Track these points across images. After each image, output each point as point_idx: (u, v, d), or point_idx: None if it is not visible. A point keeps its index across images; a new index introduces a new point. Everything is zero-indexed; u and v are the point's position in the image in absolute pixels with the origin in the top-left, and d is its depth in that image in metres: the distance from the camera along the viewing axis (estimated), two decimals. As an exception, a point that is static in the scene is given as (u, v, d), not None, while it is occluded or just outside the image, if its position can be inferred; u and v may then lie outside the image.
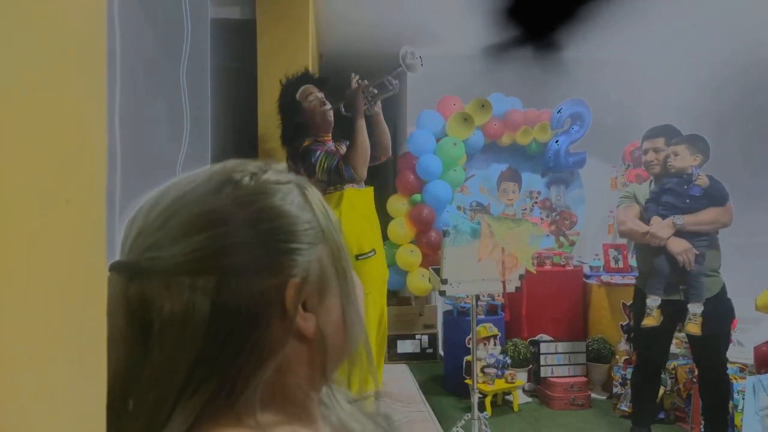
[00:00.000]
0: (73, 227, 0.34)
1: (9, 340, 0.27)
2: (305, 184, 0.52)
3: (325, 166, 2.25)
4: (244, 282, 0.45)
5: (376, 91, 2.38)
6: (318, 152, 2.28)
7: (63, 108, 0.32)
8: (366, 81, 2.34)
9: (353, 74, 2.35)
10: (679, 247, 2.49)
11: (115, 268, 0.45)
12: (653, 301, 2.55)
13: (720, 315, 2.54)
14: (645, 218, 2.65)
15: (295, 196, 0.49)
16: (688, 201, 2.55)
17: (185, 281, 0.44)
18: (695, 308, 2.48)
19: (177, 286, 0.44)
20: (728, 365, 2.70)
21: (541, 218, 4.67)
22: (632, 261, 4.04)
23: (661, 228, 2.53)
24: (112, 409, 0.42)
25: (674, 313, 2.57)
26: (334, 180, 2.29)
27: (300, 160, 2.31)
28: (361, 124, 2.28)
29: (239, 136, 3.03)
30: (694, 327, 2.46)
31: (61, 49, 0.31)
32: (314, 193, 0.52)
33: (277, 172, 0.50)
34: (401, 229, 4.14)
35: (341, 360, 0.52)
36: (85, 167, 0.36)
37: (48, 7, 0.30)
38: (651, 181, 2.80)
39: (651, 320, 2.55)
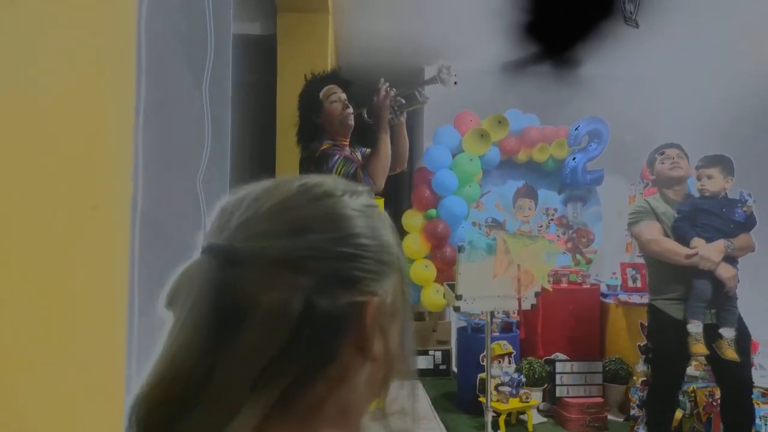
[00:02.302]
0: (99, 233, 0.34)
1: (30, 342, 0.27)
2: (385, 215, 0.54)
3: (342, 171, 2.18)
4: (338, 290, 0.46)
5: (403, 101, 2.35)
6: (336, 157, 2.21)
7: (91, 119, 0.33)
8: (394, 89, 2.28)
9: (383, 80, 2.28)
10: (729, 272, 2.45)
11: (211, 250, 0.46)
12: (697, 327, 2.47)
13: (744, 337, 2.50)
14: (673, 237, 2.60)
15: (381, 221, 0.52)
16: (732, 226, 2.52)
17: (287, 275, 0.45)
18: (729, 333, 2.43)
19: (278, 278, 0.45)
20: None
21: (558, 235, 4.63)
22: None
23: (713, 251, 2.46)
24: (185, 392, 0.43)
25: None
26: None
27: (316, 164, 2.23)
28: (386, 135, 2.23)
29: (259, 148, 3.07)
30: (732, 353, 2.40)
31: (88, 64, 0.33)
32: (391, 224, 0.54)
33: (369, 195, 0.53)
34: (416, 243, 4.14)
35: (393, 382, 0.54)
36: (112, 177, 0.37)
37: (80, 22, 0.31)
38: (658, 195, 2.76)
39: (701, 347, 2.45)
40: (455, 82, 2.30)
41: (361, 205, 0.50)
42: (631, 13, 3.07)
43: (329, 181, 0.51)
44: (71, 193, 0.31)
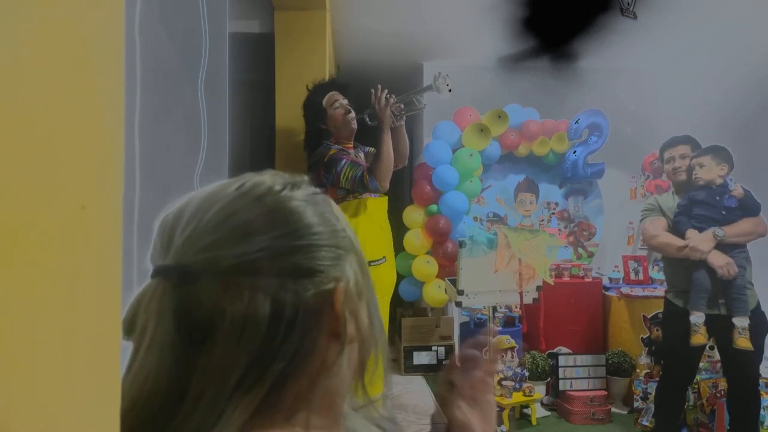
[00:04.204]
0: (89, 233, 0.34)
1: (20, 346, 0.27)
2: (329, 198, 0.54)
3: (350, 175, 2.33)
4: (302, 284, 0.46)
5: (402, 106, 2.46)
6: (343, 161, 2.35)
7: (80, 114, 0.33)
8: (393, 96, 2.40)
9: (383, 89, 2.39)
10: (720, 260, 2.42)
11: (161, 273, 0.45)
12: (698, 318, 2.45)
13: (758, 329, 2.46)
14: (675, 231, 2.60)
15: (328, 207, 0.52)
16: (724, 213, 2.50)
17: (247, 281, 0.45)
18: (742, 322, 2.39)
19: (236, 287, 0.44)
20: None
21: (559, 229, 4.62)
22: (653, 273, 3.98)
23: (701, 241, 2.46)
24: (162, 413, 0.43)
25: (713, 328, 2.49)
26: (357, 189, 2.36)
27: (325, 169, 2.37)
28: (387, 139, 2.35)
29: (256, 147, 3.07)
30: (744, 342, 2.36)
31: (77, 57, 0.32)
32: (337, 207, 0.54)
33: (309, 185, 0.53)
34: (417, 239, 4.13)
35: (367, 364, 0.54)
36: (102, 174, 0.36)
37: (66, 15, 0.31)
38: (672, 191, 2.75)
39: (700, 338, 2.44)
40: (449, 90, 2.39)
41: (303, 196, 0.50)
42: (628, 4, 3.05)
43: (266, 179, 0.51)
44: (60, 191, 0.30)
